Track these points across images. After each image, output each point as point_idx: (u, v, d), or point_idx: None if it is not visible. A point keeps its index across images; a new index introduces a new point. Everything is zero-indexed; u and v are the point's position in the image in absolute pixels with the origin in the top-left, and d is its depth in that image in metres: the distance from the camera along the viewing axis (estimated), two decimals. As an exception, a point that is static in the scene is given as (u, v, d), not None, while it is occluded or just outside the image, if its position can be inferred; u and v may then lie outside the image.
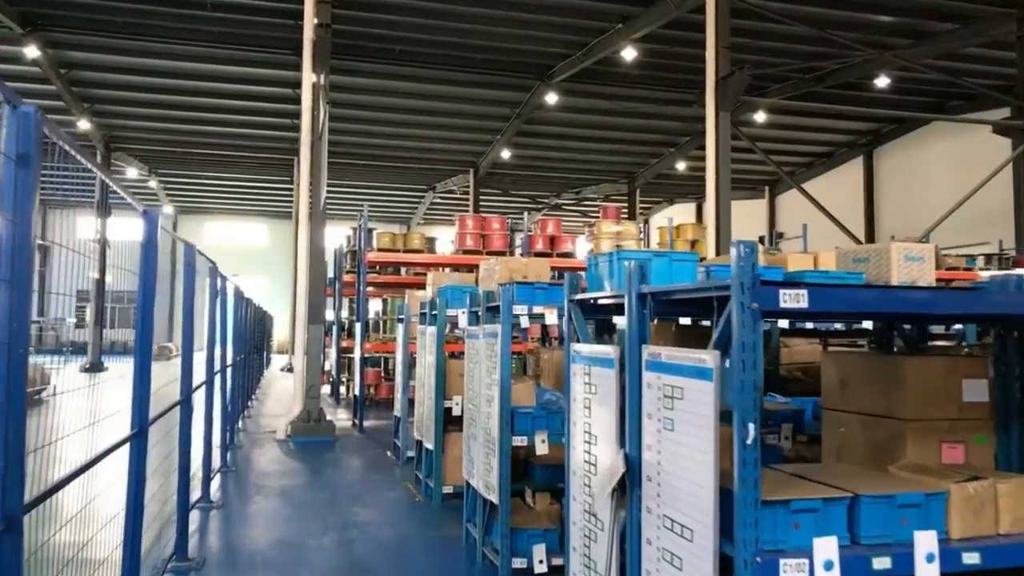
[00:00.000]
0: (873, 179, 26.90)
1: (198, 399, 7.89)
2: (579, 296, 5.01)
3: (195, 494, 8.55)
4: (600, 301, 4.80)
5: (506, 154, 26.87)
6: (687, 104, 23.18)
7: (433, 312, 9.63)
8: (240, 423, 15.32)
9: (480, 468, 7.03)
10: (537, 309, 6.63)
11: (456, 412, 9.17)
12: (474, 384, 7.39)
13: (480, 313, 7.23)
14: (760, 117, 22.67)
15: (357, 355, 15.87)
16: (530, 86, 22.12)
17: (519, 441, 6.54)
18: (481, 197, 28.93)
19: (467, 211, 33.37)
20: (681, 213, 29.68)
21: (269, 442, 13.41)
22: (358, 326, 16.00)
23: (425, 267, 18.38)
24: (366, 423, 15.37)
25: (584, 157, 28.46)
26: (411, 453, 11.56)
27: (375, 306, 22.58)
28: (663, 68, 20.70)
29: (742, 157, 28.54)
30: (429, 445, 9.29)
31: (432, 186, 32.63)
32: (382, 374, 20.35)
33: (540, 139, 26.21)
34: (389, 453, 12.42)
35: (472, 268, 14.36)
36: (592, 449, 4.68)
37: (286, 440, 13.53)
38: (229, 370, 12.26)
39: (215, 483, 9.66)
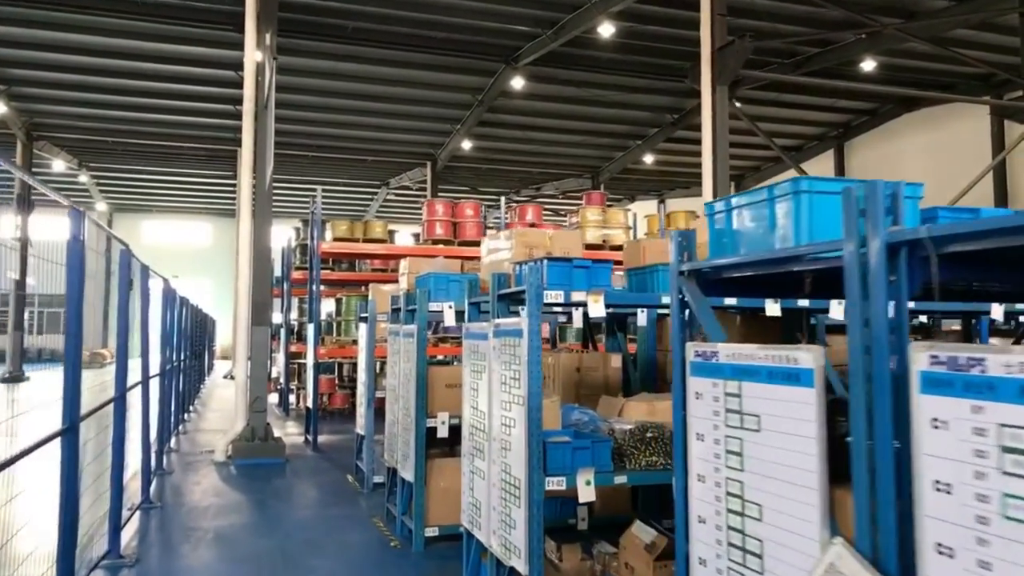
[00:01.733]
0: (844, 173, 25.55)
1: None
2: (706, 264, 3.00)
3: (99, 548, 6.32)
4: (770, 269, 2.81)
5: (467, 145, 24.76)
6: (660, 92, 21.45)
7: (411, 307, 7.53)
8: (173, 441, 12.94)
9: (493, 519, 4.97)
10: (576, 296, 4.60)
11: (442, 433, 7.10)
12: (479, 401, 5.32)
13: (491, 305, 5.17)
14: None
15: (310, 361, 13.60)
16: (495, 70, 20.07)
17: (555, 484, 4.50)
18: (439, 193, 26.75)
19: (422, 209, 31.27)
20: (642, 211, 27.97)
21: (206, 465, 11.09)
22: (311, 328, 13.73)
23: (386, 260, 16.21)
24: (320, 438, 13.13)
25: (549, 150, 26.50)
26: (378, 479, 9.42)
27: (327, 307, 20.24)
28: (638, 51, 18.86)
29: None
30: (407, 475, 7.18)
31: (385, 181, 30.30)
32: (336, 382, 18.08)
33: (503, 129, 24.16)
34: (351, 478, 10.23)
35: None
36: (753, 525, 2.68)
37: (227, 462, 11.24)
38: (156, 380, 9.95)
39: (130, 527, 7.40)
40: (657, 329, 7.80)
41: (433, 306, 7.07)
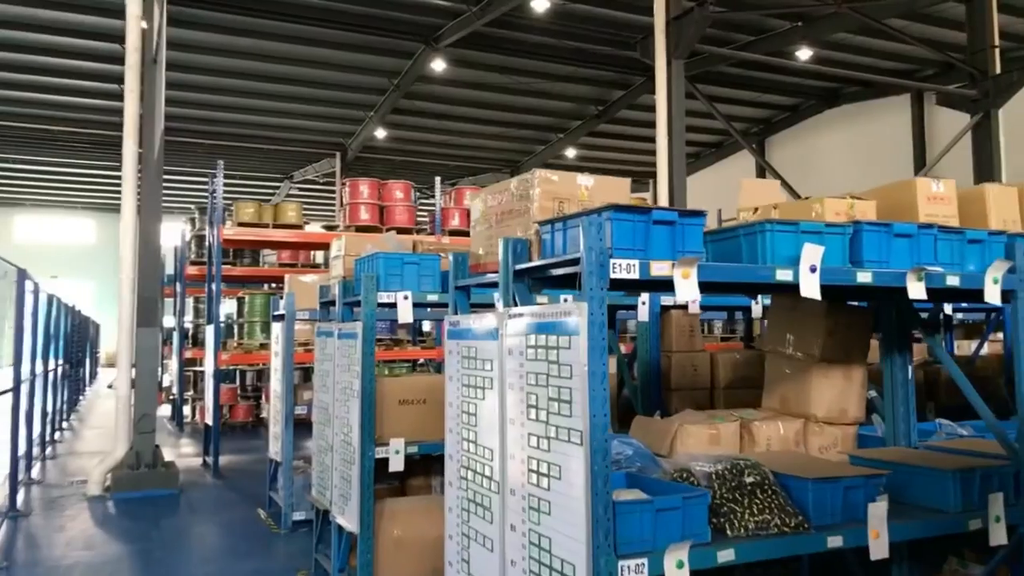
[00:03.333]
0: (765, 171, 24.78)
1: None
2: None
3: None
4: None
5: (381, 134, 22.66)
6: (585, 81, 20.00)
7: (350, 300, 5.60)
8: (36, 470, 10.46)
9: (515, 617, 3.15)
10: (658, 268, 2.84)
11: (396, 466, 5.25)
12: (481, 432, 3.50)
13: (503, 287, 3.33)
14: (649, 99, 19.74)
15: (209, 369, 11.33)
16: (414, 51, 18.10)
17: (632, 569, 2.73)
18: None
19: (331, 203, 28.85)
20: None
21: (76, 502, 8.75)
22: (209, 331, 11.46)
23: (298, 253, 14.06)
24: (222, 460, 10.89)
25: (467, 141, 24.65)
26: (299, 515, 7.43)
27: (227, 308, 17.75)
28: (568, 34, 17.27)
29: (629, 146, 25.93)
30: (347, 522, 5.25)
31: (289, 175, 27.77)
32: (237, 391, 15.74)
33: (420, 118, 22.15)
34: (263, 514, 8.13)
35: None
36: None
37: (103, 496, 8.93)
38: (9, 396, 7.66)
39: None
40: (661, 325, 6.16)
41: (384, 296, 5.19)
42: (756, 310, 5.90)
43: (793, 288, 3.13)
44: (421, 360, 14.24)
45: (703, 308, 6.42)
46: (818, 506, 3.20)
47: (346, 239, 6.10)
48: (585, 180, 3.47)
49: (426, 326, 16.04)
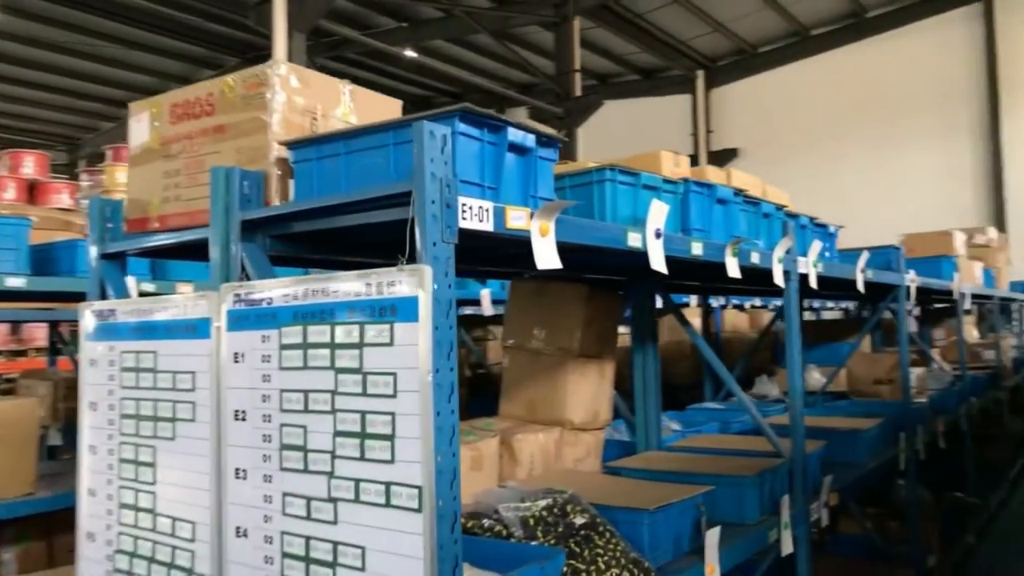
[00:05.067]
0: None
1: None
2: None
3: None
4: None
5: None
6: (170, 55, 17.48)
7: None
8: None
9: None
10: (516, 218, 1.78)
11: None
12: (152, 494, 2.06)
13: (219, 247, 1.93)
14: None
15: None
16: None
17: None
18: None
19: None
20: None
21: None
22: None
23: None
24: None
25: (17, 110, 19.97)
26: None
27: None
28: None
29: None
30: None
31: None
32: None
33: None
34: None
35: None
36: None
37: None
38: None
39: None
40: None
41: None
42: (486, 303, 5.03)
43: (633, 257, 2.31)
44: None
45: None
46: (654, 543, 2.44)
47: None
48: (347, 89, 2.23)
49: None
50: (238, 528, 1.90)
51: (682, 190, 2.62)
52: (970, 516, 6.43)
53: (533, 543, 2.19)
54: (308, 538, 1.75)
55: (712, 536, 2.51)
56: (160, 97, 2.34)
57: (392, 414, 1.61)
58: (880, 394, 5.53)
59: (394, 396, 1.61)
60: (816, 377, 5.71)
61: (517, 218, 1.79)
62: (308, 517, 1.75)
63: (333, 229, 1.90)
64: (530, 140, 1.89)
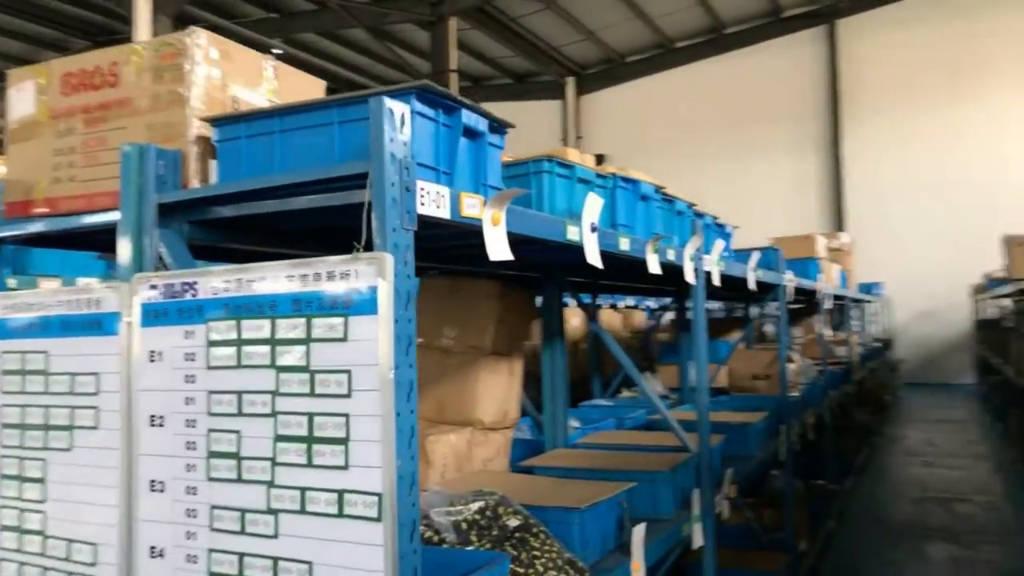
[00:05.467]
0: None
1: None
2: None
3: None
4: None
5: None
6: (5, 33, 16.00)
7: None
8: None
9: None
10: (470, 205, 1.67)
11: None
12: (42, 513, 1.82)
13: (138, 233, 1.71)
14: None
15: None
16: None
17: None
18: None
19: None
20: None
21: None
22: None
23: None
24: None
25: None
26: None
27: None
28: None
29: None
30: None
31: None
32: None
33: None
34: None
35: None
36: None
37: None
38: None
39: None
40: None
41: None
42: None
43: (571, 252, 2.26)
44: None
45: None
46: (584, 542, 2.39)
47: None
48: (271, 65, 2.05)
49: None
50: (153, 547, 1.69)
51: (611, 185, 2.59)
52: (831, 502, 6.85)
53: (468, 548, 2.10)
54: (242, 555, 1.57)
55: (638, 533, 2.50)
56: (48, 64, 2.06)
57: (346, 415, 1.47)
58: (758, 389, 5.78)
59: (348, 396, 1.47)
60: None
61: (472, 206, 1.69)
62: (242, 532, 1.57)
63: (264, 215, 1.73)
64: (483, 124, 1.79)
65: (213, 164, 1.84)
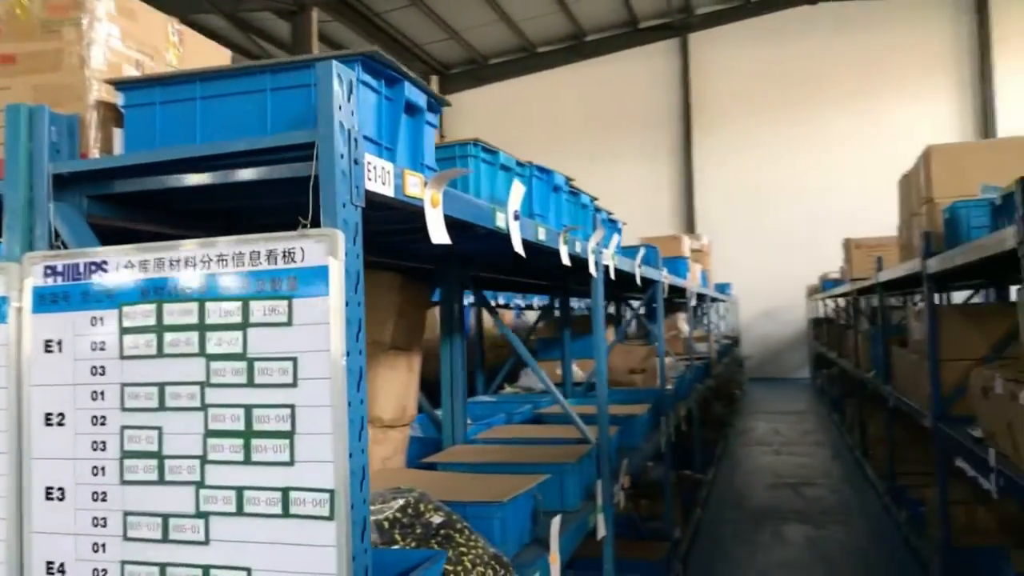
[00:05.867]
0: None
1: None
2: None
3: None
4: None
5: None
6: None
7: None
8: None
9: None
10: (413, 184, 1.57)
11: None
12: None
13: (29, 210, 1.49)
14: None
15: None
16: None
17: None
18: None
19: None
20: None
21: None
22: None
23: None
24: None
25: None
26: None
27: None
28: None
29: None
30: None
31: None
32: None
33: None
34: None
35: None
36: None
37: None
38: None
39: None
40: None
41: None
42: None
43: (479, 241, 2.20)
44: None
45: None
46: (504, 536, 2.34)
47: None
48: (176, 28, 1.85)
49: None
50: (50, 563, 1.48)
51: (528, 174, 2.56)
52: (698, 491, 7.16)
53: (394, 547, 1.99)
54: (164, 565, 1.41)
55: (555, 525, 2.48)
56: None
57: (291, 407, 1.35)
58: (635, 383, 5.94)
59: (294, 385, 1.35)
60: (576, 371, 6.00)
61: (414, 184, 1.60)
62: (165, 539, 1.41)
63: (178, 192, 1.56)
64: (423, 100, 1.70)
65: (118, 132, 1.64)
